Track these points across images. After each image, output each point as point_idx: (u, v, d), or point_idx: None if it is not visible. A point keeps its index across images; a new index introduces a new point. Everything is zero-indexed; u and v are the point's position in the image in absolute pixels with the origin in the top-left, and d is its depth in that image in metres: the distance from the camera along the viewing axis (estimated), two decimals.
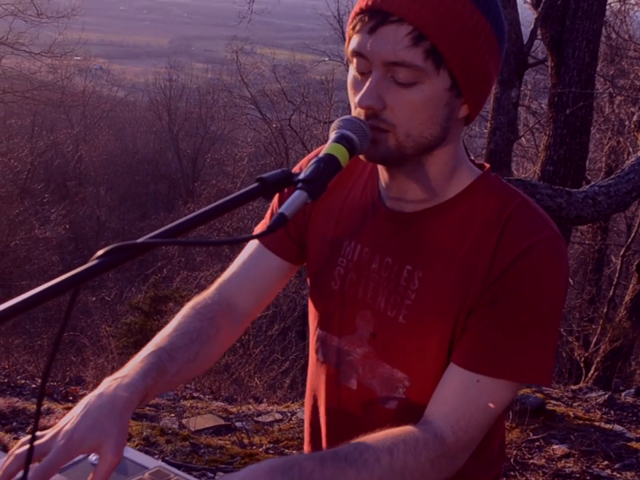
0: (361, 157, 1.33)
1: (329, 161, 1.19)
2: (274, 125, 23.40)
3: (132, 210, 30.25)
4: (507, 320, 1.31)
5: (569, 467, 4.53)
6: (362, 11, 1.27)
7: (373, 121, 1.29)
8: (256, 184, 1.12)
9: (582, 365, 10.81)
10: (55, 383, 6.69)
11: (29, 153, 25.30)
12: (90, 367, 9.15)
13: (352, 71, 1.34)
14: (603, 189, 3.92)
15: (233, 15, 15.32)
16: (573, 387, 6.94)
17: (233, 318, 1.58)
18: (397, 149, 1.31)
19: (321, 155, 1.21)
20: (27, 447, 1.24)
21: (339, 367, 1.52)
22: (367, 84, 1.28)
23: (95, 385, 7.10)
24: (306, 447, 1.70)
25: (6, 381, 5.96)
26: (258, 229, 1.63)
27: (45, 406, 4.53)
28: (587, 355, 10.77)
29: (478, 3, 1.25)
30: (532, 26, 6.66)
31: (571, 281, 14.18)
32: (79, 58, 34.61)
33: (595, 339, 11.14)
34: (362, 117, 1.29)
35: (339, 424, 1.55)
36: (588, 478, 4.39)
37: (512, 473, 4.49)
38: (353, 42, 1.29)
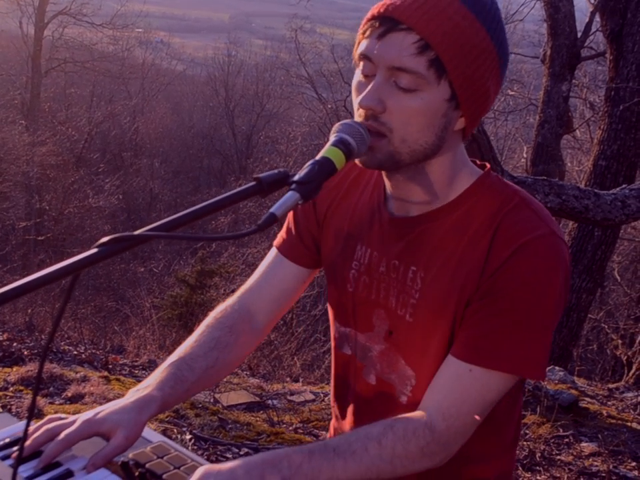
0: (357, 162, 1.38)
1: (324, 163, 1.24)
2: (329, 106, 23.35)
3: (185, 183, 30.58)
4: (500, 313, 1.36)
5: (596, 466, 4.51)
6: (374, 18, 1.33)
7: (372, 122, 1.33)
8: (253, 183, 1.17)
9: (625, 363, 10.66)
10: (96, 351, 6.85)
11: (87, 122, 25.73)
12: (132, 337, 9.33)
13: (357, 74, 1.39)
14: (633, 192, 3.86)
15: None
16: (610, 386, 6.86)
17: (252, 325, 1.67)
18: (392, 155, 1.36)
19: (317, 157, 1.26)
20: (54, 423, 1.35)
21: (363, 362, 1.59)
22: (370, 86, 1.33)
23: (135, 355, 7.26)
24: (331, 432, 1.79)
25: (49, 345, 6.11)
26: (275, 243, 1.71)
27: (82, 373, 4.66)
28: (629, 353, 10.62)
29: (485, 22, 1.31)
30: (587, 19, 6.50)
31: (618, 277, 13.95)
32: (140, 30, 35.07)
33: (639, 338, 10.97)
34: (362, 118, 1.35)
35: (363, 415, 1.62)
36: (614, 478, 4.35)
37: (537, 468, 4.48)
38: (362, 45, 1.35)
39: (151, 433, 1.45)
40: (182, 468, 1.33)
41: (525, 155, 12.86)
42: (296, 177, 1.20)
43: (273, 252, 1.71)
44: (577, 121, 11.99)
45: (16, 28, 27.31)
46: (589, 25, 6.87)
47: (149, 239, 1.04)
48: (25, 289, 0.92)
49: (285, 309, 1.73)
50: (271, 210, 1.13)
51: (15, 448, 1.32)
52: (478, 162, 1.52)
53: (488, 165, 1.50)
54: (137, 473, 1.30)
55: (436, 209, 1.45)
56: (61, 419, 1.38)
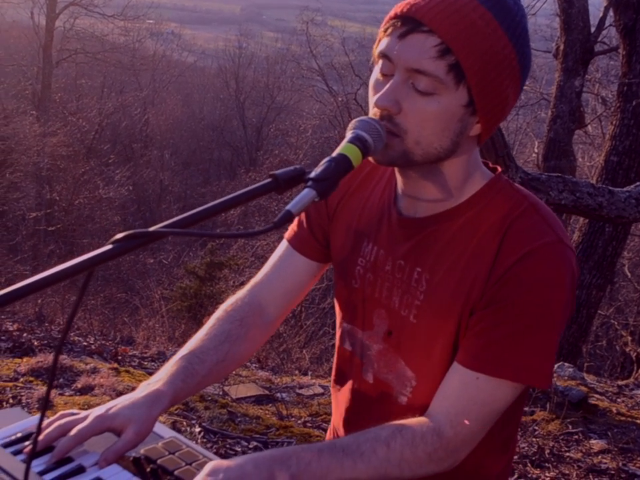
0: (370, 159, 1.37)
1: (340, 160, 1.23)
2: (340, 99, 23.34)
3: (195, 175, 30.64)
4: (506, 322, 1.35)
5: (605, 463, 4.50)
6: (396, 16, 1.32)
7: (386, 123, 1.32)
8: (269, 180, 1.16)
9: (634, 360, 10.63)
10: (106, 343, 6.86)
11: (98, 113, 25.79)
12: (141, 329, 9.34)
13: (375, 72, 1.38)
14: None
15: None
16: (620, 383, 6.84)
17: (262, 317, 1.66)
18: (405, 154, 1.35)
19: (334, 154, 1.25)
20: (67, 418, 1.35)
21: (362, 360, 1.59)
22: (387, 86, 1.32)
23: (145, 347, 7.26)
24: (331, 429, 1.77)
25: (59, 336, 6.12)
26: (287, 235, 1.71)
27: (92, 364, 4.67)
28: (639, 350, 10.59)
29: (508, 30, 1.29)
30: (600, 14, 6.46)
31: (628, 273, 13.90)
32: (151, 21, 35.11)
33: None
34: (377, 117, 1.34)
35: (357, 412, 1.62)
36: (623, 476, 4.34)
37: (546, 464, 4.47)
38: (382, 44, 1.34)
39: (162, 428, 1.44)
40: (193, 464, 1.32)
41: (536, 150, 12.81)
42: (312, 174, 1.20)
43: (284, 245, 1.70)
44: (588, 116, 11.94)
45: (27, 19, 27.39)
46: (602, 20, 6.82)
47: (163, 235, 1.03)
48: (39, 285, 0.92)
49: (295, 302, 1.72)
50: (287, 207, 1.13)
51: (27, 443, 1.32)
52: (490, 164, 1.51)
53: (499, 168, 1.50)
54: (148, 469, 1.30)
55: (445, 210, 1.45)
56: (73, 414, 1.38)
